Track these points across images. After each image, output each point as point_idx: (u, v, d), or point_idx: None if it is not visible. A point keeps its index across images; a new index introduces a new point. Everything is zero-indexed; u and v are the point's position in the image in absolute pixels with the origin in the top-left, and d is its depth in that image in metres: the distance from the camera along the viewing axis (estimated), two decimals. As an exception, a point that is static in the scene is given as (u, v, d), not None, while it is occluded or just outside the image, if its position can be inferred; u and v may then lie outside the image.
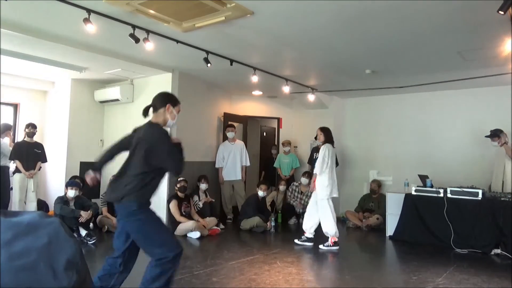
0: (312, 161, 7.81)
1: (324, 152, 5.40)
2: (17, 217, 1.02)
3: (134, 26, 4.15)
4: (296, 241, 5.55)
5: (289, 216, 7.31)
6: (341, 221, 7.64)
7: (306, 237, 5.52)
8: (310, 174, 7.42)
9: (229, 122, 7.56)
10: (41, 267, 0.94)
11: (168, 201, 6.04)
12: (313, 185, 5.43)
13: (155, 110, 2.83)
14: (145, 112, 2.88)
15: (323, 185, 5.36)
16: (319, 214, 5.42)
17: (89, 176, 2.84)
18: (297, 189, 7.47)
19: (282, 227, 6.95)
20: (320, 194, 5.37)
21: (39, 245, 0.95)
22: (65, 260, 0.98)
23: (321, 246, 5.32)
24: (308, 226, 5.52)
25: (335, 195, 5.43)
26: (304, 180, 7.36)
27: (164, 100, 2.85)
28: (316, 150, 7.83)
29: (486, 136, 5.85)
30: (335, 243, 5.32)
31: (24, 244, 0.94)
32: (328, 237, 5.35)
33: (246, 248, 5.41)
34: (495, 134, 5.72)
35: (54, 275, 0.94)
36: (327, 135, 5.54)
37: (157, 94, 2.92)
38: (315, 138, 7.73)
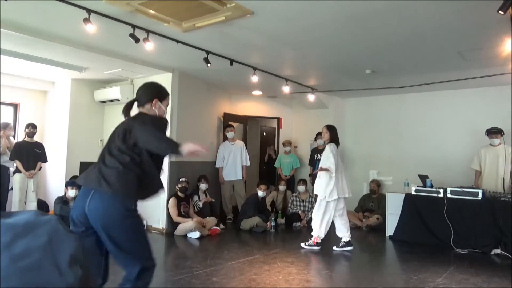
0: (313, 162, 7.81)
1: (330, 150, 5.24)
2: (11, 218, 0.97)
3: (134, 26, 4.15)
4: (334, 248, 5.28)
5: (294, 220, 7.14)
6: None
7: (344, 242, 5.28)
8: (305, 181, 7.41)
9: (229, 123, 7.56)
10: (46, 265, 0.89)
11: (168, 200, 6.07)
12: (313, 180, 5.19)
13: (140, 105, 2.44)
14: (126, 110, 2.44)
15: (321, 185, 5.26)
16: (314, 210, 5.40)
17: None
18: (297, 199, 7.35)
19: (285, 229, 6.86)
20: (319, 194, 5.29)
21: (40, 243, 0.91)
22: (69, 256, 0.94)
23: (302, 244, 5.33)
24: (341, 233, 5.32)
25: (335, 197, 5.16)
26: (301, 188, 7.30)
27: (150, 93, 2.43)
28: (316, 151, 7.82)
29: (488, 133, 5.92)
30: (317, 243, 5.27)
31: (24, 244, 0.89)
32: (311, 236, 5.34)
33: (246, 248, 5.41)
34: (499, 132, 5.81)
35: (60, 272, 0.90)
36: (333, 134, 5.36)
37: (142, 85, 2.51)
38: (315, 139, 7.84)
